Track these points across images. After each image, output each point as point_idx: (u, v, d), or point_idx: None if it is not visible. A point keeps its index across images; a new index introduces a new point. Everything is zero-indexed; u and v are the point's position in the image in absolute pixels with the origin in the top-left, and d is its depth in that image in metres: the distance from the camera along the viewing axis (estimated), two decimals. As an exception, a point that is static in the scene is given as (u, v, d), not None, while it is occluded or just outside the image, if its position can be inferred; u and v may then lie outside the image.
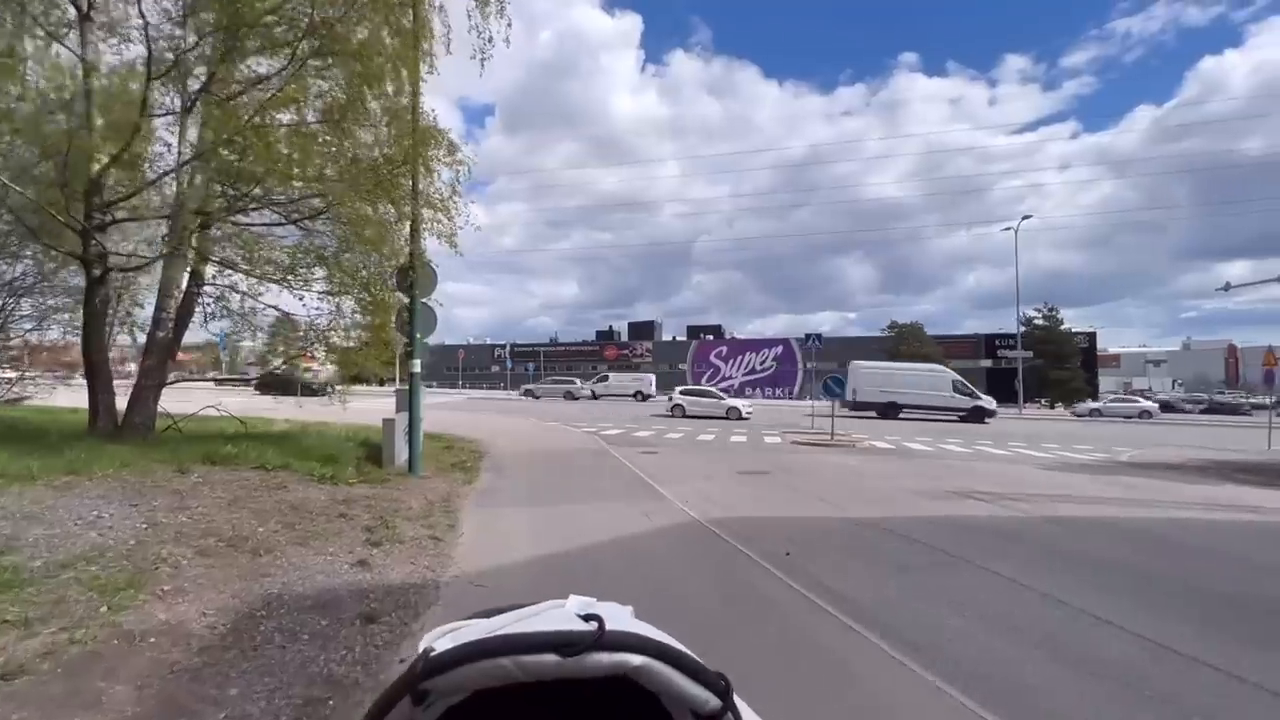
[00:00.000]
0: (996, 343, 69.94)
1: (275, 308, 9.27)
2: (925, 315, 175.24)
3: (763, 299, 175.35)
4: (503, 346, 78.45)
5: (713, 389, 27.88)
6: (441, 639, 0.49)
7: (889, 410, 27.05)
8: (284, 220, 8.67)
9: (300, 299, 9.03)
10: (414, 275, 8.79)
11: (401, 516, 6.29)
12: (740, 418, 24.86)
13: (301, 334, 9.64)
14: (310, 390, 27.88)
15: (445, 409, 25.61)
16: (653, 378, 40.24)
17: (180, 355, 10.60)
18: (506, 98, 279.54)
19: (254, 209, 8.45)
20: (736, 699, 0.48)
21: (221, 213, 8.22)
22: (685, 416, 25.29)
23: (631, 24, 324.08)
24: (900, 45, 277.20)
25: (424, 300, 9.13)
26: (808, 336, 19.92)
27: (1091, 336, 64.55)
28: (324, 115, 8.31)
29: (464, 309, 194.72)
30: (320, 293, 8.92)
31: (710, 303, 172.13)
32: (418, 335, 8.90)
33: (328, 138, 8.26)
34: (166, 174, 8.35)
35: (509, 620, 0.50)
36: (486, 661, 0.43)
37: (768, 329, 79.95)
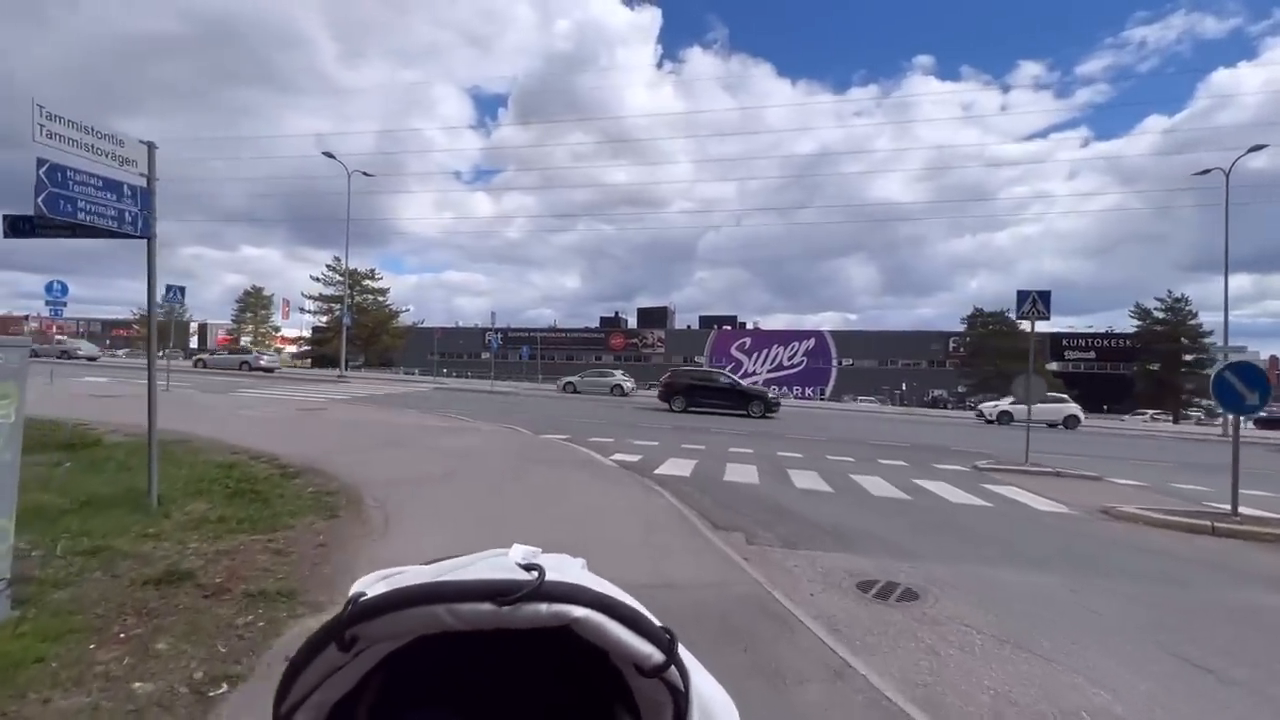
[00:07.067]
0: (1064, 343, 61.09)
1: None
2: (926, 319, 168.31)
3: (765, 297, 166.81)
4: (494, 331, 69.53)
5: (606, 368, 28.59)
6: (375, 585, 0.44)
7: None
8: None
9: None
10: None
11: None
12: (624, 394, 25.29)
13: None
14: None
15: (386, 405, 16.77)
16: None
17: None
18: (521, 87, 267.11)
19: None
20: (682, 651, 0.43)
21: None
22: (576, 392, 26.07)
23: (650, 18, 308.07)
24: (916, 48, 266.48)
25: None
26: (1022, 295, 11.04)
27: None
28: None
29: (463, 298, 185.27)
30: None
31: (713, 299, 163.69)
32: None
33: None
34: None
35: (447, 568, 0.45)
36: (418, 608, 0.39)
37: (769, 328, 72.57)
